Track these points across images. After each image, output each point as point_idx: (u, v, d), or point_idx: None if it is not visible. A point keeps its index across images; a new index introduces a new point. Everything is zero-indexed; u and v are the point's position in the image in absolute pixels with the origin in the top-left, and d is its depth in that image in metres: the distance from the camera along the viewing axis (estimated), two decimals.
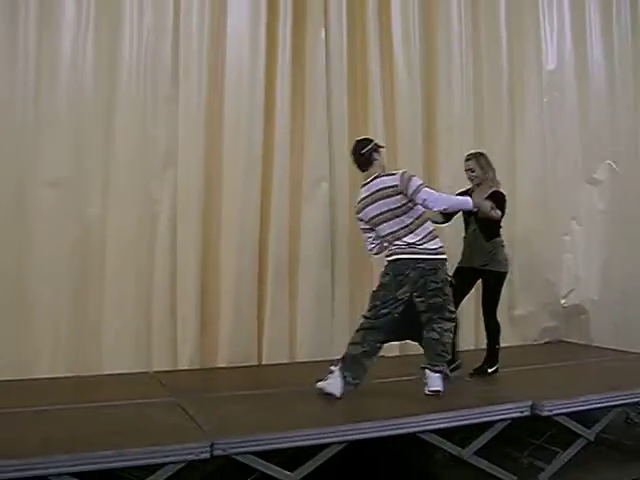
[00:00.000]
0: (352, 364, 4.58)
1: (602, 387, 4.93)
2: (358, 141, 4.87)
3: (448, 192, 5.63)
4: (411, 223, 4.60)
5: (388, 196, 4.60)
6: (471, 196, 5.16)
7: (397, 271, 4.60)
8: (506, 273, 5.37)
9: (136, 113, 5.63)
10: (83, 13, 5.48)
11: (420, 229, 4.62)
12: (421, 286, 4.56)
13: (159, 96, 5.71)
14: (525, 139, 7.12)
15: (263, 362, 5.88)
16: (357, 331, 4.67)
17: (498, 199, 5.17)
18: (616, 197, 7.52)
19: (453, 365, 5.03)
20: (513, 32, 7.09)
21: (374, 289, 4.75)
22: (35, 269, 5.32)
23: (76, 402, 4.45)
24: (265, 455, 3.74)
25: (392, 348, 5.78)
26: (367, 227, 4.78)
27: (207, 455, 3.51)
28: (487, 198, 5.13)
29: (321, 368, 5.23)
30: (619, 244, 7.45)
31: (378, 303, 4.62)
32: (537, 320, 7.07)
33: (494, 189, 5.27)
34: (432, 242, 4.62)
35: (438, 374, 4.60)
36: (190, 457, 3.49)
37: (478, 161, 5.32)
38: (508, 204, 5.32)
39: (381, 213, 4.63)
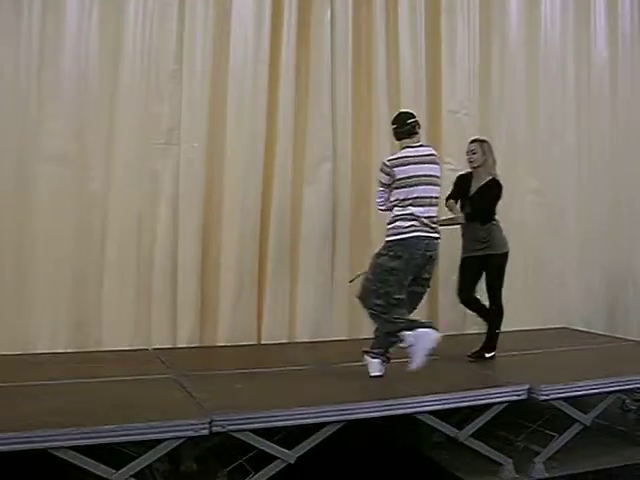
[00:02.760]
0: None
1: (599, 373, 4.94)
2: (405, 112, 4.98)
3: (451, 173, 5.77)
4: (438, 197, 4.77)
5: (436, 163, 4.78)
6: (470, 180, 5.34)
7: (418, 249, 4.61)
8: (506, 254, 5.37)
9: (140, 90, 5.63)
10: None
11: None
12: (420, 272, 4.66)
13: (163, 73, 5.70)
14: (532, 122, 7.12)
15: (262, 341, 5.91)
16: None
17: (494, 185, 5.30)
18: None
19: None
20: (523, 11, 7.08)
21: (386, 267, 4.62)
22: (36, 244, 5.33)
23: (76, 377, 4.48)
24: (263, 433, 3.76)
25: None
26: (388, 184, 4.71)
27: (206, 432, 3.53)
28: (484, 184, 5.29)
29: (320, 348, 5.29)
30: None
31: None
32: None
33: (492, 176, 5.34)
34: None
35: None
36: (189, 433, 3.51)
37: (482, 146, 5.39)
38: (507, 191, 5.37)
39: (430, 175, 4.67)
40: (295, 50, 6.04)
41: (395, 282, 4.55)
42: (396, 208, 4.66)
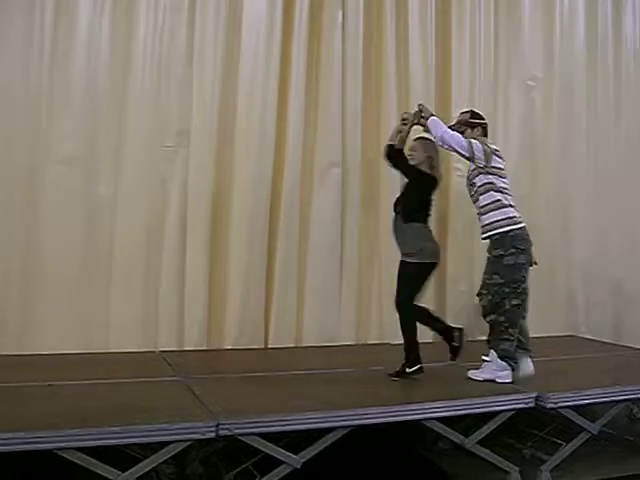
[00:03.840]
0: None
1: (607, 382, 4.91)
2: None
3: (460, 179, 5.83)
4: None
5: None
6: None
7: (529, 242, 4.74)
8: (418, 265, 4.77)
9: (150, 94, 5.65)
10: None
11: None
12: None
13: (173, 77, 5.72)
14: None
15: (269, 345, 5.90)
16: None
17: (417, 182, 4.90)
18: None
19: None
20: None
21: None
22: (45, 246, 5.37)
23: (83, 379, 4.47)
24: (269, 437, 3.75)
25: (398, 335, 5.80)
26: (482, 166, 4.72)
27: (212, 435, 3.52)
28: (408, 181, 4.97)
29: (327, 353, 5.26)
30: None
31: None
32: None
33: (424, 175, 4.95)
34: None
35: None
36: (196, 436, 3.51)
37: (423, 144, 4.98)
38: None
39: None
40: (305, 55, 6.07)
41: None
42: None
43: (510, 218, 4.64)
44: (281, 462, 3.76)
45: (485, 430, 4.33)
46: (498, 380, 4.64)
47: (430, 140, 4.91)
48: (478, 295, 4.82)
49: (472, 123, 4.89)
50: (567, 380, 4.96)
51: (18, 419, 3.46)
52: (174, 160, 5.70)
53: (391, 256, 4.91)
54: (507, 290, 4.61)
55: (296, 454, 3.79)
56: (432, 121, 4.75)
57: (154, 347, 5.56)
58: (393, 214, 4.90)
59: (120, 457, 3.54)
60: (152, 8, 5.63)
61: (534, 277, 6.45)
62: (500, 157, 4.74)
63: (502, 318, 4.63)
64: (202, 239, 5.70)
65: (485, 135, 4.90)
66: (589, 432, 4.63)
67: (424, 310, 4.92)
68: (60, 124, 5.40)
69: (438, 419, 4.18)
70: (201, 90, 5.73)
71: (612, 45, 7.47)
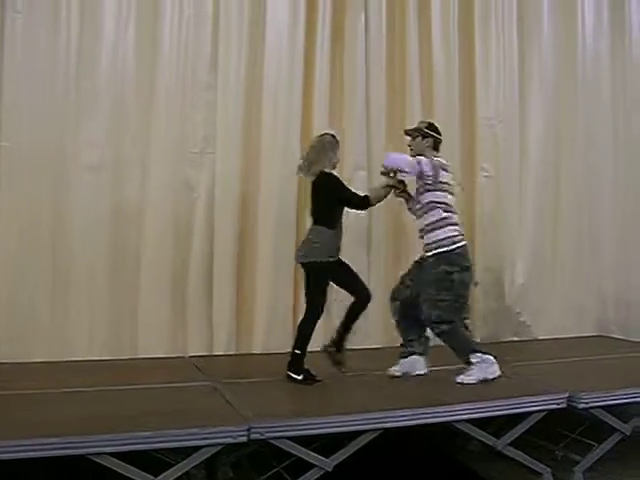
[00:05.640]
0: None
1: (638, 381, 4.86)
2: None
3: (485, 180, 5.92)
4: None
5: None
6: None
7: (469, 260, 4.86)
8: (314, 264, 4.76)
9: (175, 100, 5.69)
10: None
11: None
12: None
13: (198, 83, 5.76)
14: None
15: None
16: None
17: (319, 183, 4.88)
18: None
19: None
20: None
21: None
22: (73, 253, 5.42)
23: (113, 384, 4.50)
24: (301, 440, 3.76)
25: None
26: (429, 182, 4.74)
27: (244, 439, 3.53)
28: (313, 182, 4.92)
29: (355, 356, 5.24)
30: None
31: None
32: None
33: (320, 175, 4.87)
34: None
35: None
36: (228, 440, 3.51)
37: (321, 141, 4.92)
38: None
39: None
40: (329, 60, 6.08)
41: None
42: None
43: (455, 236, 4.71)
44: (312, 465, 3.77)
45: (517, 431, 4.29)
46: (490, 376, 4.66)
47: (327, 134, 4.96)
48: (394, 300, 5.01)
49: (426, 133, 4.89)
50: (598, 380, 4.91)
51: (51, 425, 3.49)
52: (200, 166, 5.74)
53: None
54: (457, 305, 4.71)
55: (327, 457, 3.79)
56: (390, 161, 4.84)
57: (183, 352, 5.59)
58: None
59: (150, 462, 3.56)
60: (177, 16, 5.67)
61: (566, 279, 6.43)
62: (447, 172, 4.74)
63: (453, 327, 4.69)
64: (229, 244, 5.73)
65: (436, 149, 4.89)
66: (621, 433, 4.58)
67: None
68: (87, 131, 5.45)
69: (469, 421, 4.16)
70: (226, 96, 5.76)
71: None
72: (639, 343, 6.60)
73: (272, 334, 5.80)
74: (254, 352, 5.79)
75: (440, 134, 4.94)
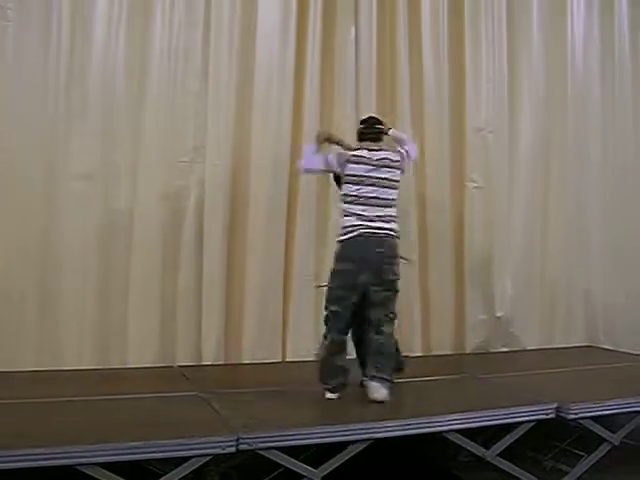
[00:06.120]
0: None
1: (628, 392, 4.88)
2: (376, 117, 4.93)
3: (474, 191, 5.91)
4: (396, 199, 4.68)
5: (393, 167, 4.66)
6: None
7: (360, 252, 4.51)
8: None
9: (165, 108, 5.67)
10: (115, 6, 5.54)
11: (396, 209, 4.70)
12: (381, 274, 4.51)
13: (188, 91, 5.74)
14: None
15: (287, 359, 5.90)
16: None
17: None
18: None
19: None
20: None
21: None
22: (62, 262, 5.37)
23: (102, 394, 4.48)
24: (289, 451, 3.74)
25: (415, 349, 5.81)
26: (330, 172, 4.82)
27: (233, 449, 3.52)
28: None
29: None
30: None
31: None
32: None
33: None
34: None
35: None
36: (216, 451, 3.50)
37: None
38: None
39: (384, 179, 4.61)
40: (319, 68, 6.06)
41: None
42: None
43: (346, 227, 4.55)
44: (301, 476, 3.76)
45: (506, 442, 4.30)
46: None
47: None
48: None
49: (358, 129, 4.89)
50: (587, 391, 4.94)
51: (38, 435, 3.47)
52: (190, 175, 5.71)
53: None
54: (331, 295, 4.56)
55: (316, 468, 3.78)
56: (306, 162, 4.87)
57: (172, 362, 5.56)
58: None
59: (140, 472, 3.54)
60: (167, 23, 5.65)
61: (555, 289, 6.45)
62: (360, 163, 4.60)
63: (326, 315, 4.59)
64: (218, 254, 5.70)
65: (360, 140, 4.80)
66: (610, 443, 4.59)
67: None
68: (76, 140, 5.41)
69: (458, 431, 4.16)
70: (216, 105, 5.74)
71: (630, 54, 7.49)
72: (627, 353, 6.62)
73: (261, 344, 5.79)
74: (243, 362, 5.76)
75: (364, 123, 4.86)
